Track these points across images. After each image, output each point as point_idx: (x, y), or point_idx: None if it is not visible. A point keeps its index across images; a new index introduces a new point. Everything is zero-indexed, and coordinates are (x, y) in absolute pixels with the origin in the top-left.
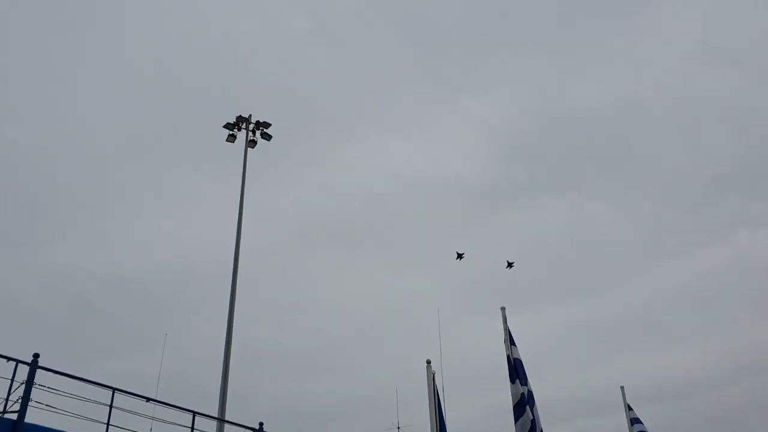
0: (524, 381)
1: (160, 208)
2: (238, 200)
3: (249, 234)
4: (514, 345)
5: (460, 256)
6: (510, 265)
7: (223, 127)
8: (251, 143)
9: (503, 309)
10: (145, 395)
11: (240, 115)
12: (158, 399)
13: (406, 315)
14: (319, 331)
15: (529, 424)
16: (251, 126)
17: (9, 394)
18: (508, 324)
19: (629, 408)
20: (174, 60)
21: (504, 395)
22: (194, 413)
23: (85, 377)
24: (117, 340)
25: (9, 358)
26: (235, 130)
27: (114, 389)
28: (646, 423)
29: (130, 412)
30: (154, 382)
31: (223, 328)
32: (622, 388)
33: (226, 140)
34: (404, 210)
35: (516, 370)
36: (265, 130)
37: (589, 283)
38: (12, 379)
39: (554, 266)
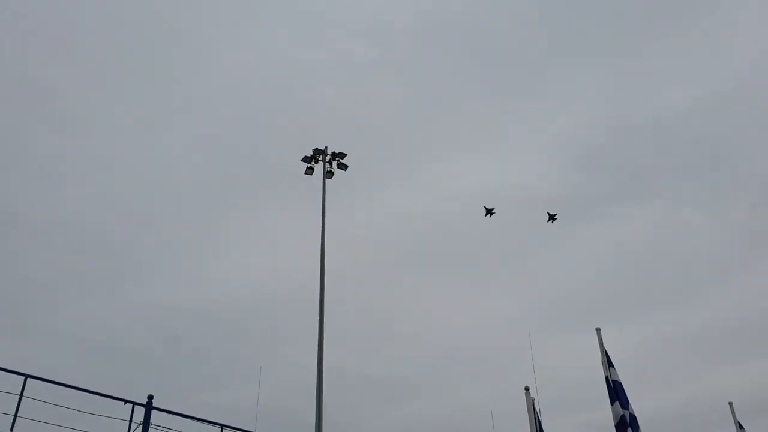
0: (625, 404)
1: (244, 242)
2: (320, 230)
3: (330, 261)
4: (613, 366)
5: (489, 211)
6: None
7: (301, 160)
8: (329, 174)
9: (598, 330)
10: (249, 430)
11: (316, 148)
12: None
13: (493, 335)
14: (407, 356)
15: None
16: (327, 157)
17: None
18: (605, 345)
19: (740, 426)
20: (248, 96)
21: (604, 412)
22: None
23: (187, 413)
24: (210, 374)
25: (126, 401)
26: (313, 162)
27: (222, 425)
28: None
29: None
30: (248, 413)
31: (312, 356)
32: (730, 404)
33: (305, 173)
34: (482, 228)
35: (616, 392)
36: (341, 160)
37: (682, 293)
38: (130, 421)
39: (643, 277)
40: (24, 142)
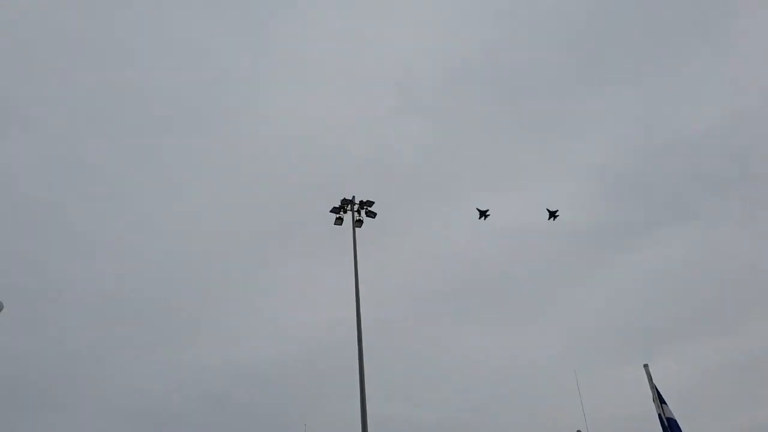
0: None
1: (280, 297)
2: (353, 279)
3: (367, 310)
4: (665, 403)
5: (483, 213)
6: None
7: (330, 211)
8: (358, 223)
9: (646, 366)
10: None
11: (344, 198)
12: None
13: (538, 374)
14: (452, 399)
15: None
16: (356, 207)
17: None
18: (655, 381)
19: None
20: (275, 151)
21: None
22: None
23: None
24: None
25: None
26: (342, 212)
27: None
28: None
29: None
30: None
31: (355, 407)
32: None
33: (334, 224)
34: (518, 266)
35: (670, 430)
36: (369, 208)
37: (734, 314)
38: None
39: (690, 301)
40: (60, 216)
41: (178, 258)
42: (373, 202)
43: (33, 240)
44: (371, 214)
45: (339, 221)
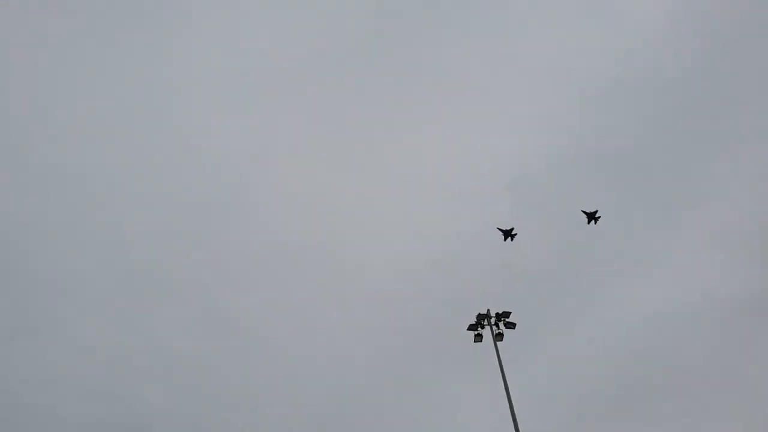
0: None
1: (434, 424)
2: (505, 394)
3: (526, 424)
4: None
5: (508, 234)
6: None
7: (467, 329)
8: (498, 337)
9: None
10: None
11: (479, 313)
12: None
13: None
14: None
15: None
16: (492, 320)
17: None
18: None
19: None
20: (402, 269)
21: None
22: None
23: None
24: None
25: None
26: (479, 328)
27: None
28: None
29: None
30: None
31: None
32: None
33: (474, 341)
34: (683, 351)
35: None
36: (506, 319)
37: None
38: None
39: None
40: (218, 372)
41: (328, 391)
42: (510, 312)
43: (190, 398)
44: (510, 326)
45: (479, 338)
